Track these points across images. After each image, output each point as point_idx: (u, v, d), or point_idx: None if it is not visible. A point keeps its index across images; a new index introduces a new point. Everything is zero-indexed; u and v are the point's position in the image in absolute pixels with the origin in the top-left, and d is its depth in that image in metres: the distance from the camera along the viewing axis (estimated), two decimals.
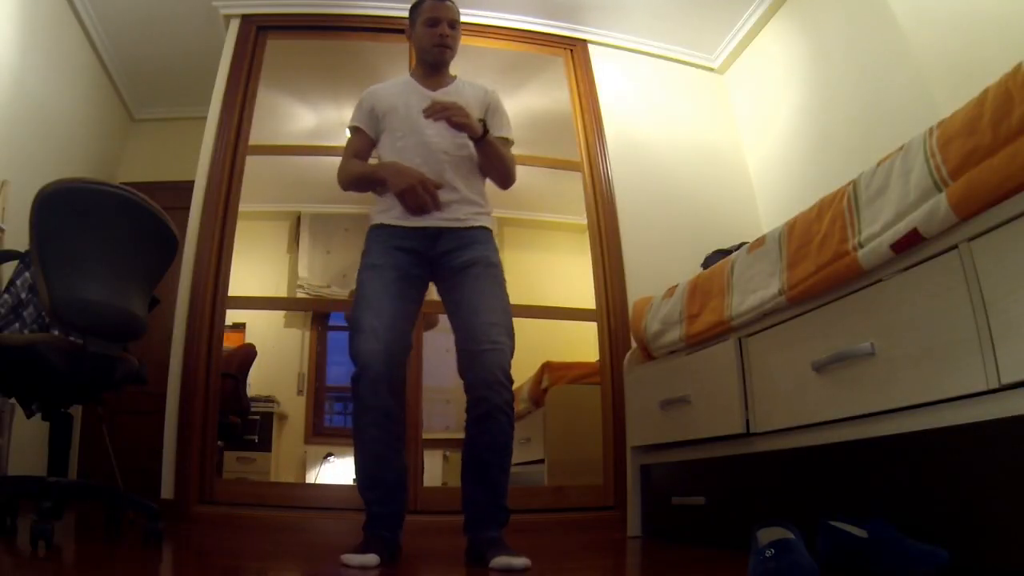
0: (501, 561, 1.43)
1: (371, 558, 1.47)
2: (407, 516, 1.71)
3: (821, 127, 2.85)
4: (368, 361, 1.59)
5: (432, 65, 1.89)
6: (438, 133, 1.75)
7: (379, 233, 1.75)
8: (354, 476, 1.68)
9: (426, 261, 1.74)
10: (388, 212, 1.75)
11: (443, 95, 1.83)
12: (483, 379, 1.61)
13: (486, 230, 1.78)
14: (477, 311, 1.66)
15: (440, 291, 1.78)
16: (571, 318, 3.11)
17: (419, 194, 1.67)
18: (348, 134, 1.91)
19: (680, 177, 3.23)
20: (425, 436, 2.72)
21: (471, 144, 1.76)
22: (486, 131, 1.73)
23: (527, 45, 3.32)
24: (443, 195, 1.73)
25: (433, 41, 1.84)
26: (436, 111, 1.67)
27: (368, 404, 1.60)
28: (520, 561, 1.43)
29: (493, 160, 1.80)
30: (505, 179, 1.86)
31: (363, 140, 1.86)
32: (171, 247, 1.92)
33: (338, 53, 3.35)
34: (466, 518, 1.64)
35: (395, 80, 1.95)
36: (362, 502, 1.64)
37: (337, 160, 1.92)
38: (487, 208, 1.83)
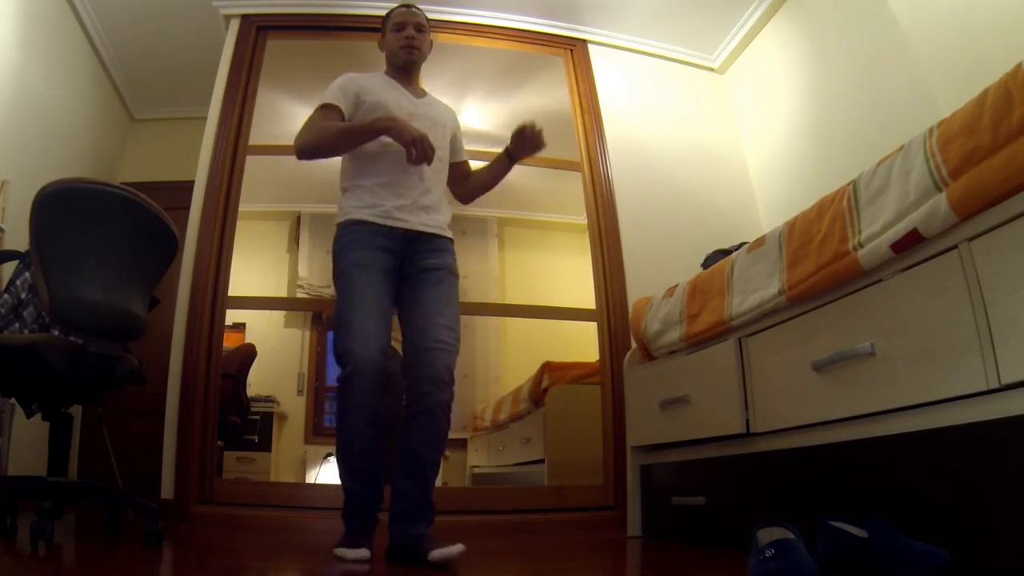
0: (438, 554, 1.47)
1: (363, 552, 1.56)
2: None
3: (821, 127, 2.85)
4: (362, 365, 1.64)
5: (401, 68, 1.95)
6: (430, 134, 1.73)
7: (361, 230, 1.77)
8: (339, 471, 1.75)
9: (399, 260, 1.80)
10: (371, 209, 1.78)
11: (426, 107, 1.93)
12: (429, 375, 1.68)
13: (451, 240, 1.89)
14: (437, 313, 1.75)
15: (400, 286, 1.82)
16: (571, 318, 3.11)
17: (426, 146, 1.67)
18: (319, 109, 1.85)
19: (680, 177, 3.23)
20: None
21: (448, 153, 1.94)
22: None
23: (527, 45, 3.32)
24: (424, 200, 1.83)
25: (401, 43, 1.93)
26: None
27: (361, 402, 1.65)
28: (456, 548, 1.48)
29: (486, 185, 2.01)
30: (469, 199, 2.05)
31: (337, 119, 1.82)
32: (171, 247, 1.92)
33: (338, 53, 3.35)
34: (394, 513, 1.67)
35: (372, 75, 1.96)
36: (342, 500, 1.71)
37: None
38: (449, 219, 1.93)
